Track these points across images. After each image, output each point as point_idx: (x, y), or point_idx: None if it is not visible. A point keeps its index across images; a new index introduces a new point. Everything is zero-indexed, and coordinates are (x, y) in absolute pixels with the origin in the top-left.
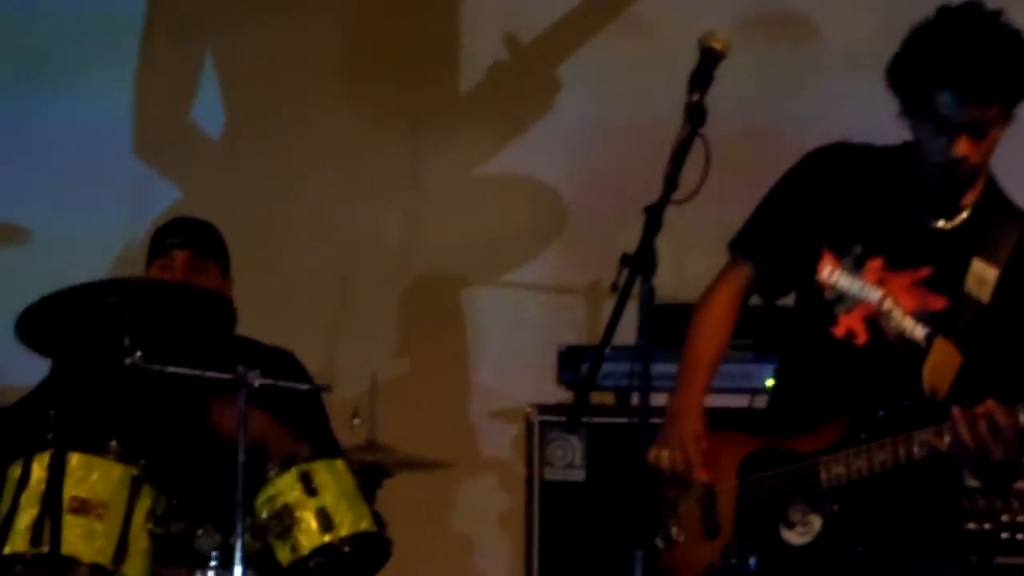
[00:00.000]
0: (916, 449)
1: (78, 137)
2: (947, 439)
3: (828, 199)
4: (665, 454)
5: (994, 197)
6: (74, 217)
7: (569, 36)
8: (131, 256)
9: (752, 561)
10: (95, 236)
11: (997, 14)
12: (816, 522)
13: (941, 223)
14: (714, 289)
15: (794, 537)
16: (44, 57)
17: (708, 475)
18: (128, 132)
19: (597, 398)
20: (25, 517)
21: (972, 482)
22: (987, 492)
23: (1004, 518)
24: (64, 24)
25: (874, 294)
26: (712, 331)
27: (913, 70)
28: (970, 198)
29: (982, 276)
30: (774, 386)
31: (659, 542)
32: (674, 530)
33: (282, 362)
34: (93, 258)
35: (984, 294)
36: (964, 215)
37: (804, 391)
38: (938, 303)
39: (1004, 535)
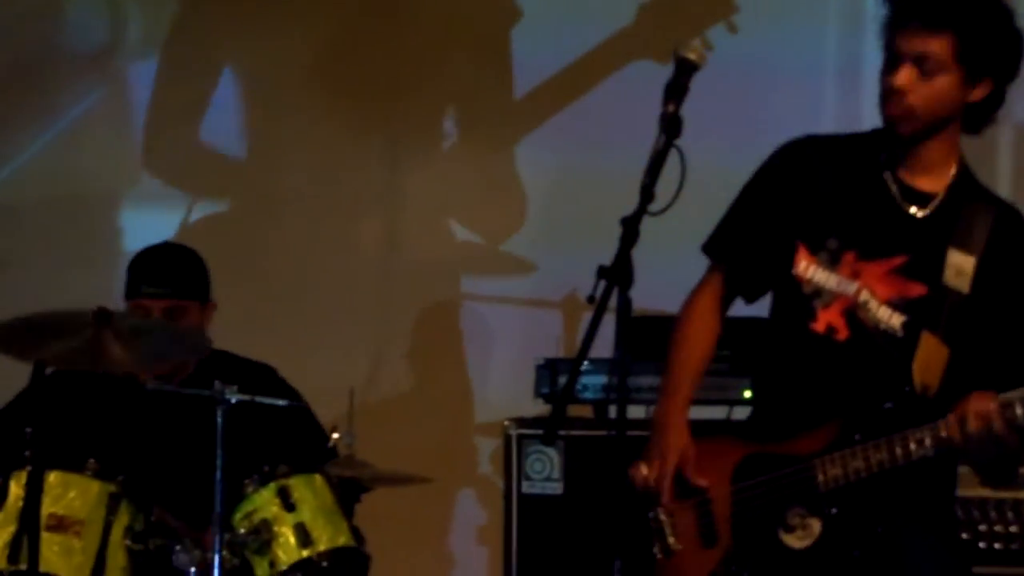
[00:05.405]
0: (913, 448)
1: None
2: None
3: (800, 193)
4: (643, 467)
5: (967, 183)
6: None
7: (549, 53)
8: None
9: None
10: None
11: None
12: (815, 525)
13: (914, 210)
14: (694, 298)
15: (794, 541)
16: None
17: (705, 479)
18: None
19: (575, 411)
20: (3, 535)
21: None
22: (992, 484)
23: (982, 528)
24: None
25: (850, 287)
26: (693, 343)
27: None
28: (943, 183)
29: (959, 267)
30: (756, 387)
31: (657, 552)
32: (671, 539)
33: (261, 376)
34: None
35: (963, 285)
36: (937, 201)
37: (790, 391)
38: (915, 290)
39: (982, 545)
